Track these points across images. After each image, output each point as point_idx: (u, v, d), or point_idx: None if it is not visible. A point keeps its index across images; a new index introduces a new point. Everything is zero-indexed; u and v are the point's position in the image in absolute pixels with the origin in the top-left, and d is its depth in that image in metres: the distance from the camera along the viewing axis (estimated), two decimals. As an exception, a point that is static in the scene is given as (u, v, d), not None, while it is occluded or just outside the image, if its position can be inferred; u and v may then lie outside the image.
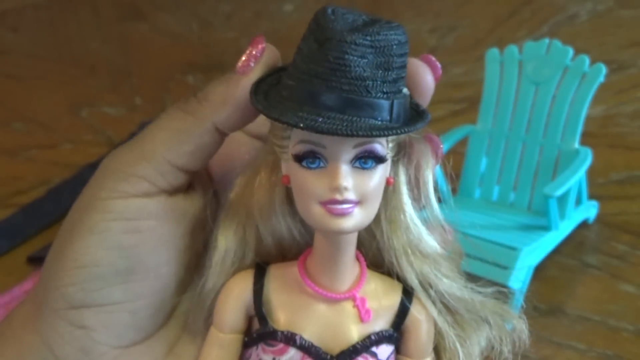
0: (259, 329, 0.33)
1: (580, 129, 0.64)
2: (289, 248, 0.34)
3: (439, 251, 0.34)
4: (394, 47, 0.30)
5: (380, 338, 0.32)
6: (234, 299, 0.33)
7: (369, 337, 0.32)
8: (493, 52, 0.68)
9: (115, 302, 0.33)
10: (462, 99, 0.92)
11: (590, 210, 0.68)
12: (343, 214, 0.30)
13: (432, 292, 0.34)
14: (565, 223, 0.64)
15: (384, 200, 0.32)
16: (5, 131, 0.98)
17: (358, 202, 0.30)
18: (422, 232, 0.34)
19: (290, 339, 0.32)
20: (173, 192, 0.34)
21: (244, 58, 0.33)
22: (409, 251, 0.33)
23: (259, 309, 0.33)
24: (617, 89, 0.87)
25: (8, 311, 0.69)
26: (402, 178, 0.33)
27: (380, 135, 0.30)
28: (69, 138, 0.96)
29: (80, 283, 0.33)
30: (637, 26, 1.03)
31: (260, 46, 0.33)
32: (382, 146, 0.31)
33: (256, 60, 0.33)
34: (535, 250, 0.60)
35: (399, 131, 0.30)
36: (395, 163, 0.33)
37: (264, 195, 0.33)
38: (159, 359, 0.35)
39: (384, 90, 0.30)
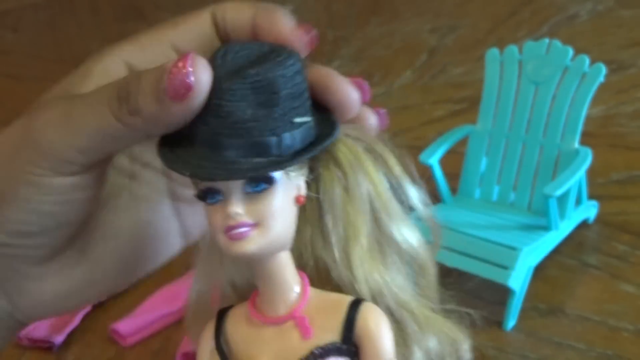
0: None
1: (580, 129, 0.64)
2: (247, 292, 0.36)
3: (400, 264, 0.35)
4: (279, 83, 0.31)
5: (326, 351, 0.33)
6: (202, 351, 0.35)
7: (312, 352, 0.33)
8: (493, 52, 0.68)
9: (40, 245, 0.37)
10: (462, 99, 0.92)
11: (590, 210, 0.68)
12: (240, 238, 0.32)
13: (382, 306, 0.34)
14: (565, 223, 0.64)
15: (334, 219, 0.34)
16: (5, 131, 0.98)
17: (256, 225, 0.32)
18: (380, 246, 0.35)
19: None
20: (106, 163, 0.36)
21: (173, 75, 0.31)
22: (366, 265, 0.34)
23: (220, 350, 0.35)
24: (617, 89, 0.87)
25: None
26: (337, 192, 0.34)
27: (255, 175, 0.31)
28: (69, 138, 0.96)
29: (7, 234, 0.36)
30: (637, 26, 1.03)
31: (189, 68, 0.31)
32: None
33: (188, 90, 0.31)
34: (535, 250, 0.60)
35: (278, 167, 0.31)
36: (315, 181, 0.34)
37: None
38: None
39: (270, 127, 0.31)
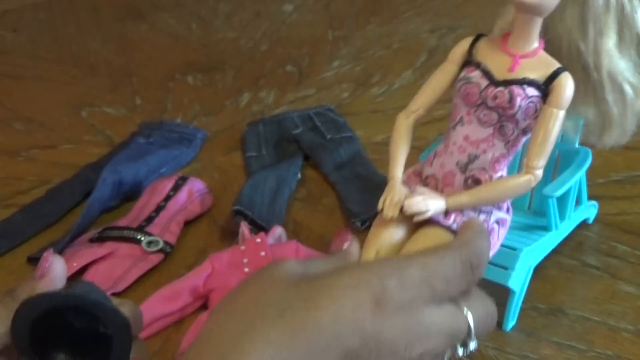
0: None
1: (580, 128, 0.64)
2: None
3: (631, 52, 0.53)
4: None
5: (529, 82, 0.48)
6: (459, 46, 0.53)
7: (523, 78, 0.48)
8: (493, 52, 0.68)
9: None
10: (462, 99, 0.92)
11: (590, 210, 0.68)
12: None
13: (614, 81, 0.52)
14: (565, 223, 0.64)
15: (594, 20, 0.51)
16: (5, 131, 0.98)
17: None
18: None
19: (477, 65, 0.50)
20: None
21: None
22: (610, 54, 0.52)
23: (470, 51, 0.52)
24: (617, 89, 0.87)
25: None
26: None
27: None
28: (69, 138, 0.96)
29: None
30: (637, 26, 1.02)
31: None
32: None
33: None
34: (535, 250, 0.60)
35: None
36: None
37: None
38: None
39: None
